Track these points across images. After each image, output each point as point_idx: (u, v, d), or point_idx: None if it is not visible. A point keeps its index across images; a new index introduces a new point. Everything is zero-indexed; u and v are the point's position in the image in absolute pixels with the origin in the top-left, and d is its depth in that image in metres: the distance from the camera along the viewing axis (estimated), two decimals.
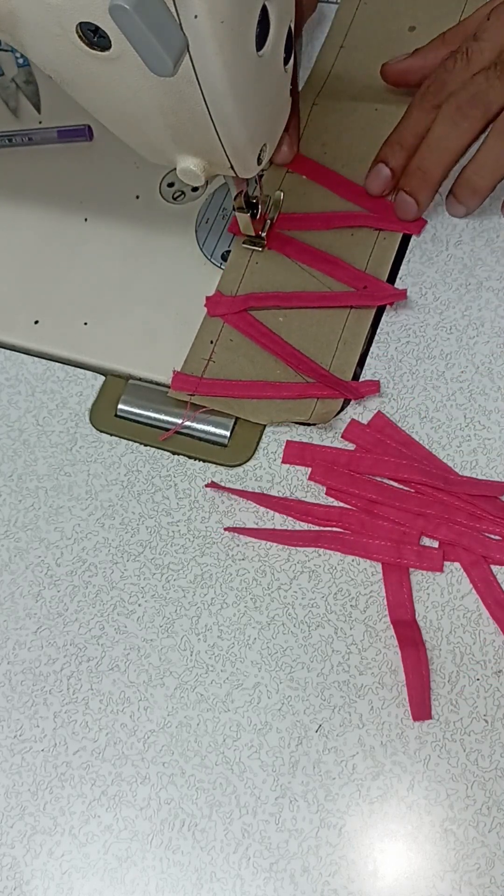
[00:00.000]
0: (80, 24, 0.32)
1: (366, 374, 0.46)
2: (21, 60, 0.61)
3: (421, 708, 0.38)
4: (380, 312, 0.47)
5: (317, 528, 0.42)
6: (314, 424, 0.44)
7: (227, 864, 0.37)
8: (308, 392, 0.44)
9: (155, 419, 0.47)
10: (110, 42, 0.33)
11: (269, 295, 0.47)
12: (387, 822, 0.37)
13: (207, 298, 0.48)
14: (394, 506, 0.42)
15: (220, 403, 0.45)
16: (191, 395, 0.46)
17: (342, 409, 0.45)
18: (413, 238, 0.49)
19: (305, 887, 0.36)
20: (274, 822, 0.38)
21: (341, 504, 0.43)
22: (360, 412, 0.45)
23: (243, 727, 0.39)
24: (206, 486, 0.44)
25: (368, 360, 0.46)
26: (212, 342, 0.47)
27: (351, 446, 0.44)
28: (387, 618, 0.40)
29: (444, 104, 0.43)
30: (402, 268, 0.48)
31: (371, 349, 0.46)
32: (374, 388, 0.44)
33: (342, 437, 0.44)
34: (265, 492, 0.44)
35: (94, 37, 0.33)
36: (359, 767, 0.38)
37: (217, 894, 0.37)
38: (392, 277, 0.48)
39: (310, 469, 0.43)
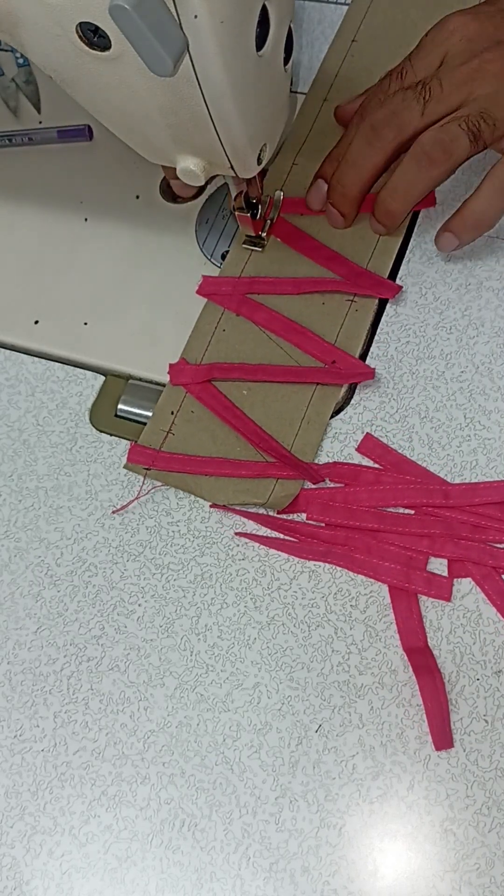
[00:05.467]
0: (80, 24, 0.32)
1: None
2: (21, 60, 0.61)
3: (442, 737, 0.37)
4: (380, 312, 0.47)
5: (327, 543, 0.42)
6: (270, 508, 0.43)
7: (227, 864, 0.37)
8: (267, 472, 0.43)
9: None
10: (110, 42, 0.33)
11: (234, 366, 0.46)
12: (387, 822, 0.37)
13: (171, 366, 0.46)
14: (396, 531, 0.41)
15: (176, 479, 0.44)
16: (147, 468, 0.44)
17: (338, 409, 0.45)
18: (413, 238, 0.49)
19: (305, 887, 0.36)
20: (274, 822, 0.38)
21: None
22: (355, 416, 0.45)
23: (243, 727, 0.39)
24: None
25: (368, 360, 0.46)
26: (172, 413, 0.46)
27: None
28: (387, 618, 0.40)
29: (362, 122, 0.43)
30: (402, 268, 0.48)
31: (371, 349, 0.46)
32: (334, 470, 0.43)
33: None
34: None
35: (94, 37, 0.33)
36: (359, 767, 0.38)
37: (217, 894, 0.37)
38: (393, 276, 0.48)
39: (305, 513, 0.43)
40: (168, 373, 0.47)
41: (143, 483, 0.45)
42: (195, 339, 0.48)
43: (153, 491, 0.45)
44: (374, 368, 0.45)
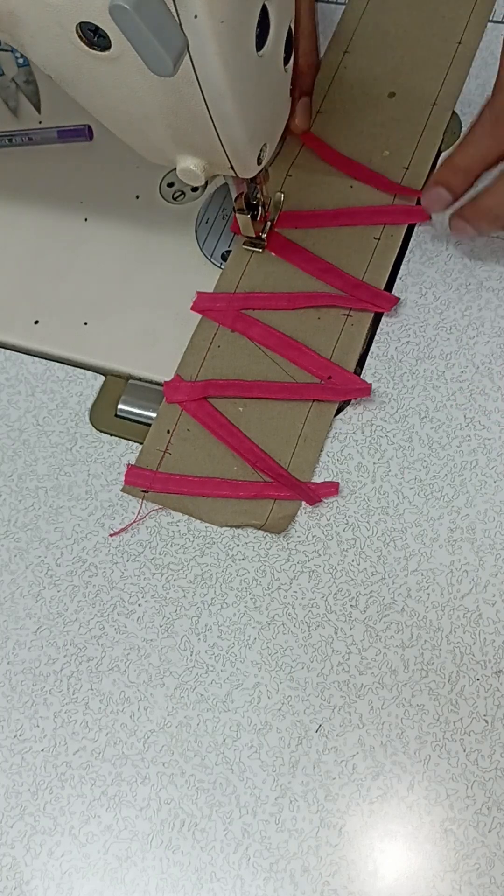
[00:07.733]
0: (80, 24, 0.32)
1: (366, 374, 0.46)
2: (21, 60, 0.61)
3: None
4: (375, 324, 0.47)
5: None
6: (269, 531, 0.43)
7: (227, 864, 0.37)
8: (265, 492, 0.43)
9: (155, 419, 0.47)
10: (110, 42, 0.33)
11: (230, 383, 0.46)
12: (387, 822, 0.37)
13: (166, 383, 0.46)
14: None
15: (174, 502, 0.44)
16: (144, 491, 0.44)
17: (338, 409, 0.45)
18: (413, 238, 0.49)
19: (305, 887, 0.36)
20: (274, 822, 0.38)
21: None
22: (355, 416, 0.45)
23: (243, 727, 0.39)
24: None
25: (369, 359, 0.46)
26: (168, 431, 0.45)
27: None
28: (387, 618, 0.40)
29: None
30: (402, 268, 0.48)
31: (371, 349, 0.46)
32: (333, 489, 0.43)
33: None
34: None
35: (94, 37, 0.33)
36: (359, 767, 0.38)
37: (217, 894, 0.37)
38: (392, 278, 0.48)
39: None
40: (164, 390, 0.46)
41: (142, 506, 0.44)
42: (190, 355, 0.47)
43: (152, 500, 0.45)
44: (370, 384, 0.44)
